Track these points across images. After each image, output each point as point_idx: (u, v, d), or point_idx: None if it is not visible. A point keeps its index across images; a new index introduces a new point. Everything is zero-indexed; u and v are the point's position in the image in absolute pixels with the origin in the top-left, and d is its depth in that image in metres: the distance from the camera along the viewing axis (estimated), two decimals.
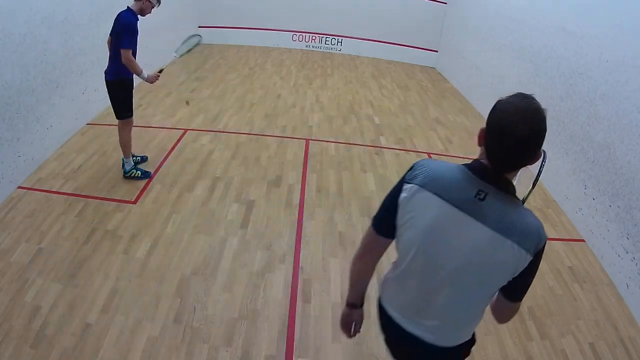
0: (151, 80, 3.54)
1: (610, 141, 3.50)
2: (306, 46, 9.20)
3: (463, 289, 1.24)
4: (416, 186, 1.21)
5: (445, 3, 8.48)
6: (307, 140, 4.91)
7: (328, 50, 9.19)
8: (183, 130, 4.83)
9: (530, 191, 1.31)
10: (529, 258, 1.17)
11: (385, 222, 1.32)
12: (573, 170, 4.01)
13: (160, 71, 3.65)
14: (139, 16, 3.47)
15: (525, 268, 1.20)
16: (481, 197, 1.15)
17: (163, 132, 4.74)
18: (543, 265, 3.31)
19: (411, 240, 1.25)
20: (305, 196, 3.83)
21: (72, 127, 4.48)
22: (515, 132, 1.06)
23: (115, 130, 4.66)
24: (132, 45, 3.38)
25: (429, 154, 4.91)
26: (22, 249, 2.90)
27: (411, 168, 1.27)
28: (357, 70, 8.07)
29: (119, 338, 2.35)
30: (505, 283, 1.23)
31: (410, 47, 8.97)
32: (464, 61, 7.32)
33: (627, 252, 3.17)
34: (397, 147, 5.01)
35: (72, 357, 2.22)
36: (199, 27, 8.74)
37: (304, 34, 9.09)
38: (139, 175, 3.82)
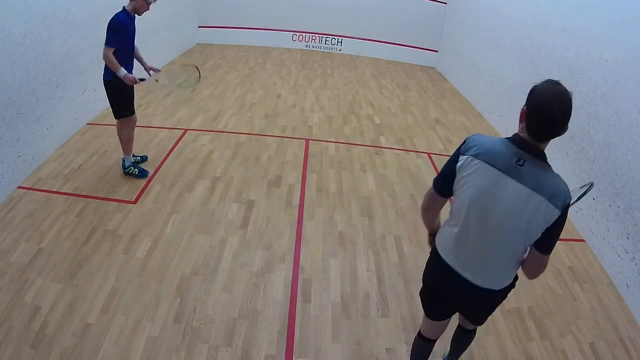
0: (129, 80, 3.52)
1: (610, 141, 3.50)
2: (306, 46, 9.20)
3: (505, 240, 1.53)
4: (470, 157, 1.53)
5: (445, 3, 8.48)
6: (307, 140, 4.91)
7: (328, 50, 9.19)
8: (183, 130, 4.83)
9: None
10: (557, 213, 1.43)
11: (444, 185, 1.67)
12: (573, 170, 4.01)
13: (141, 80, 3.66)
14: (135, 15, 3.49)
15: (554, 222, 1.45)
16: (520, 163, 1.45)
17: (163, 132, 4.74)
18: None
19: (466, 200, 1.56)
20: (305, 196, 3.83)
21: (72, 127, 4.48)
22: (550, 111, 1.38)
23: (115, 130, 4.67)
24: (115, 44, 3.40)
25: (429, 154, 4.91)
26: (22, 249, 2.90)
27: (464, 142, 1.59)
28: (357, 70, 8.07)
29: (119, 338, 2.35)
30: (538, 236, 1.48)
31: (410, 47, 8.97)
32: (464, 61, 7.32)
33: (627, 252, 3.17)
34: (397, 147, 5.01)
35: (72, 357, 2.22)
36: (199, 27, 8.75)
37: (304, 34, 9.09)
38: (137, 173, 3.83)
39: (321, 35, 9.10)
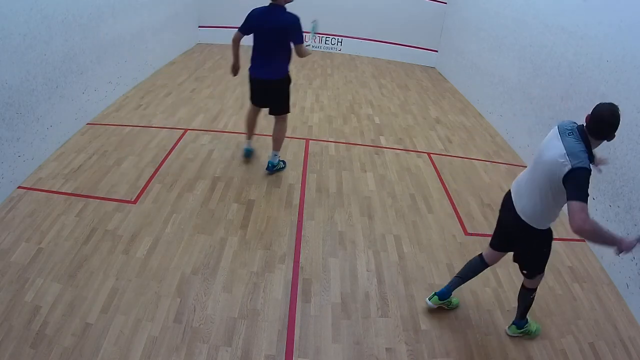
0: None
1: (611, 141, 3.50)
2: (306, 46, 9.19)
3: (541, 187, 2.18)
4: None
5: (445, 3, 8.47)
6: (307, 140, 4.91)
7: (328, 50, 9.19)
8: (183, 130, 4.83)
9: None
10: (569, 168, 1.98)
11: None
12: None
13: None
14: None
15: (569, 174, 2.00)
16: (570, 134, 2.10)
17: (163, 132, 4.74)
18: None
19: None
20: (305, 196, 3.83)
21: (72, 127, 4.48)
22: (606, 120, 2.06)
23: (115, 130, 4.68)
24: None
25: (429, 153, 4.91)
26: (22, 249, 2.90)
27: (589, 170, 2.02)
28: (357, 70, 8.07)
29: (119, 338, 2.35)
30: (561, 186, 2.04)
31: (410, 47, 8.97)
32: (464, 61, 7.32)
33: None
34: (397, 147, 5.01)
35: (72, 357, 2.22)
36: (199, 27, 8.75)
37: (303, 34, 9.08)
38: (283, 166, 4.16)
39: (321, 35, 9.09)
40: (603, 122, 2.04)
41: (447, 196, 4.11)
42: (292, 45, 3.66)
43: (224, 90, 6.27)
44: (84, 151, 4.18)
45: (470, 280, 3.06)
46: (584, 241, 3.70)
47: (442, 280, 3.04)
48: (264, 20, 3.57)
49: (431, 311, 2.77)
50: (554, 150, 2.06)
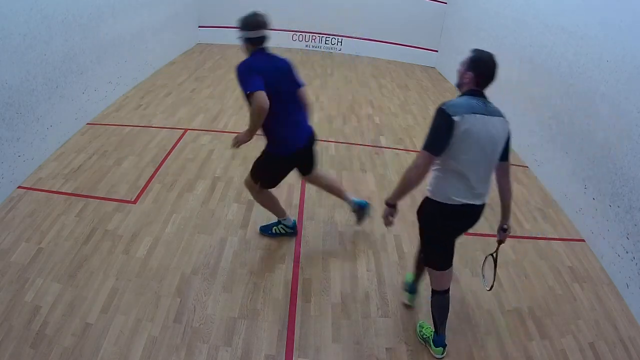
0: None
1: (610, 141, 3.50)
2: (306, 46, 9.19)
3: (493, 160, 2.10)
4: (461, 115, 1.96)
5: (445, 3, 8.47)
6: None
7: (328, 50, 9.19)
8: (183, 130, 4.83)
9: (494, 274, 2.49)
10: (509, 127, 2.13)
11: (440, 147, 2.00)
12: (573, 170, 4.01)
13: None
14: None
15: (509, 135, 2.15)
16: (486, 103, 2.07)
17: (163, 132, 4.74)
18: (543, 265, 3.32)
19: (470, 144, 1.99)
20: (305, 196, 3.83)
21: (72, 127, 4.48)
22: (492, 66, 2.12)
23: (115, 130, 4.68)
24: None
25: None
26: (22, 249, 2.91)
27: (445, 110, 1.99)
28: (357, 70, 8.07)
29: (119, 338, 2.35)
30: (503, 148, 2.11)
31: (410, 47, 8.96)
32: None
33: (627, 252, 3.17)
34: (397, 147, 5.01)
35: (72, 357, 2.22)
36: (199, 27, 8.75)
37: (303, 34, 9.08)
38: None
39: (321, 35, 9.09)
40: (493, 69, 2.10)
41: None
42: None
43: (224, 90, 6.27)
44: (84, 151, 4.18)
45: (470, 280, 3.07)
46: (584, 241, 3.70)
47: None
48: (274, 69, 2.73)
49: (431, 311, 2.77)
50: (497, 126, 2.05)
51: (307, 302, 2.74)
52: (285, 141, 2.80)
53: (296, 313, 2.65)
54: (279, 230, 3.25)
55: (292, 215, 3.55)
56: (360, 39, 9.03)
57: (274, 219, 3.26)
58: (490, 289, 2.54)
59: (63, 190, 3.56)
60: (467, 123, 1.96)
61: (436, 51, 8.89)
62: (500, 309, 2.86)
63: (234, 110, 5.55)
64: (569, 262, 3.42)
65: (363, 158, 4.63)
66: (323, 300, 2.77)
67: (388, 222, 2.32)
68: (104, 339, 2.34)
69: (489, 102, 2.09)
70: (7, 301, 2.50)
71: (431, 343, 2.45)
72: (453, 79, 8.42)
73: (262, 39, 2.69)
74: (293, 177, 4.09)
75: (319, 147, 4.74)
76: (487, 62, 2.07)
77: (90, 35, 4.60)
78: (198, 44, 8.76)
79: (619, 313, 2.97)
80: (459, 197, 2.09)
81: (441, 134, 1.99)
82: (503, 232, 2.39)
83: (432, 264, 2.33)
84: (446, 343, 2.42)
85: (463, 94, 2.10)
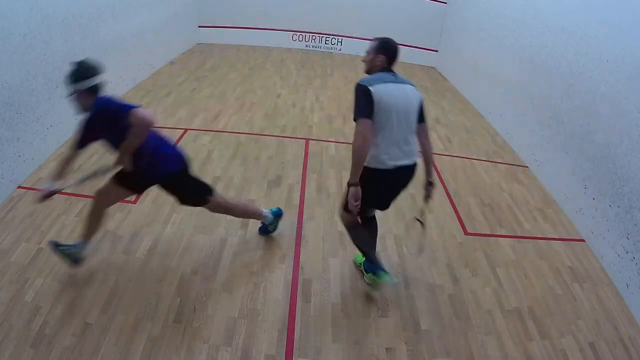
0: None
1: (610, 141, 3.50)
2: (306, 46, 9.19)
3: (411, 121, 2.40)
4: (377, 85, 2.28)
5: (445, 3, 8.48)
6: (307, 140, 4.91)
7: (328, 50, 9.19)
8: (183, 130, 4.83)
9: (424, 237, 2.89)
10: (420, 93, 2.47)
11: (369, 110, 2.27)
12: (573, 170, 4.01)
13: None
14: None
15: (421, 99, 2.46)
16: (395, 76, 2.41)
17: (163, 132, 4.73)
18: (543, 264, 3.32)
19: (389, 111, 2.29)
20: (305, 196, 3.83)
21: (72, 127, 4.45)
22: (395, 45, 2.47)
23: None
24: None
25: None
26: (22, 249, 2.90)
27: (363, 85, 2.29)
28: (357, 70, 8.07)
29: (119, 338, 2.35)
30: (419, 112, 2.44)
31: (410, 47, 8.97)
32: (464, 61, 7.32)
33: (627, 252, 3.17)
34: None
35: (72, 357, 2.22)
36: (199, 27, 8.75)
37: (304, 34, 9.09)
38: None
39: (321, 35, 9.10)
40: (397, 49, 2.48)
41: (447, 196, 4.11)
42: None
43: (224, 90, 6.27)
44: (84, 151, 4.17)
45: (470, 280, 3.07)
46: (584, 241, 3.70)
47: (442, 280, 3.04)
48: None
49: (431, 311, 2.77)
50: (408, 91, 2.37)
51: (307, 302, 2.74)
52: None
53: (296, 313, 2.65)
54: (274, 227, 3.24)
55: (292, 215, 3.55)
56: (360, 39, 9.02)
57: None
58: (419, 253, 2.77)
59: (63, 190, 3.55)
60: (382, 92, 2.28)
61: (436, 51, 8.90)
62: (500, 309, 2.86)
63: (234, 110, 5.55)
64: (569, 262, 3.42)
65: None
66: (323, 300, 2.77)
67: (355, 202, 2.38)
68: (104, 339, 2.34)
69: (398, 75, 2.44)
70: (7, 301, 2.50)
71: (364, 269, 2.90)
72: (453, 79, 8.42)
73: (98, 86, 2.58)
74: (293, 177, 4.10)
75: (319, 147, 4.77)
76: (393, 45, 2.47)
77: (90, 35, 4.60)
78: (198, 44, 8.77)
79: (619, 313, 2.97)
80: (392, 161, 2.37)
81: (364, 101, 2.27)
82: (429, 187, 2.65)
83: (359, 213, 2.61)
84: (382, 267, 2.68)
85: (376, 72, 2.44)
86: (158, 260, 2.94)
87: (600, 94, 3.69)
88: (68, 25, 4.17)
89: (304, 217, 3.55)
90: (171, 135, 4.67)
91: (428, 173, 2.62)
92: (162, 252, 3.01)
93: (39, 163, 3.88)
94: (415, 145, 2.47)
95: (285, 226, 3.40)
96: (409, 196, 4.02)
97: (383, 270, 2.64)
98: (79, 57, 4.38)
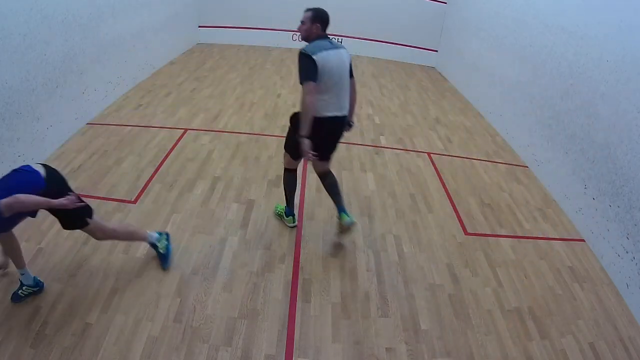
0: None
1: (610, 141, 3.50)
2: (352, 74, 9.16)
3: (345, 79, 2.85)
4: (319, 53, 2.66)
5: (445, 3, 8.47)
6: None
7: None
8: (183, 130, 4.83)
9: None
10: (349, 54, 2.91)
11: (314, 74, 2.65)
12: (573, 170, 4.01)
13: None
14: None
15: (351, 59, 2.93)
16: (331, 42, 2.81)
17: (163, 132, 4.74)
18: (543, 264, 3.32)
19: (330, 74, 2.71)
20: (305, 196, 3.83)
21: (72, 127, 4.48)
22: (328, 16, 2.84)
23: (115, 129, 4.68)
24: None
25: (429, 153, 4.91)
26: (22, 248, 2.89)
27: (306, 53, 2.66)
28: (357, 70, 8.03)
29: (119, 338, 2.35)
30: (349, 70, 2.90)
31: (410, 47, 8.97)
32: (464, 61, 7.32)
33: (627, 252, 3.17)
34: (397, 146, 5.01)
35: (72, 357, 2.22)
36: (199, 27, 8.74)
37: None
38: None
39: None
40: (328, 16, 2.82)
41: (447, 196, 4.11)
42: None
43: (224, 90, 6.27)
44: (84, 151, 4.18)
45: (470, 280, 3.07)
46: (584, 241, 3.70)
47: (442, 280, 3.04)
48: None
49: (431, 311, 2.77)
50: (342, 55, 2.81)
51: (307, 302, 2.74)
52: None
53: (296, 313, 2.65)
54: (163, 246, 2.88)
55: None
56: (361, 38, 9.02)
57: (274, 219, 3.24)
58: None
59: None
60: (324, 59, 2.67)
61: (436, 51, 8.89)
62: (500, 309, 2.86)
63: (234, 110, 5.55)
64: (569, 262, 3.42)
65: (363, 158, 4.63)
66: (323, 300, 2.77)
67: (307, 152, 2.74)
68: (104, 339, 2.34)
69: (332, 40, 2.83)
70: (7, 301, 2.50)
71: (284, 215, 3.36)
72: (453, 79, 8.40)
73: None
74: None
75: None
76: (325, 13, 2.81)
77: (90, 35, 4.60)
78: (198, 44, 8.76)
79: (619, 313, 2.97)
80: (329, 112, 2.80)
81: (309, 67, 2.64)
82: (348, 127, 3.10)
83: (293, 154, 3.04)
84: (294, 213, 3.37)
85: (313, 40, 2.77)
86: (158, 260, 2.93)
87: (600, 94, 3.69)
88: (68, 25, 4.17)
89: (304, 217, 3.55)
90: (171, 135, 4.68)
91: (350, 115, 3.03)
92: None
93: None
94: (347, 100, 2.91)
95: (286, 226, 3.40)
96: (409, 196, 4.03)
97: (293, 215, 3.37)
98: (79, 57, 4.43)
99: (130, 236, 2.81)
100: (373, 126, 5.52)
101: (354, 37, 9.03)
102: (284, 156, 3.17)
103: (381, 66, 8.54)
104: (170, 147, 4.44)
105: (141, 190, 3.67)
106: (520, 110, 5.23)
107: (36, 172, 2.30)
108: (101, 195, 3.54)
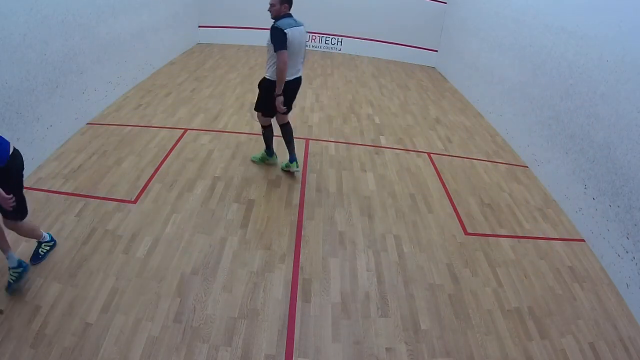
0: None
1: (610, 141, 3.50)
2: (306, 46, 9.18)
3: (303, 49, 3.73)
4: (289, 29, 3.46)
5: (445, 3, 8.48)
6: (307, 140, 4.91)
7: (328, 50, 9.19)
8: (183, 130, 4.83)
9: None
10: (305, 30, 3.76)
11: (286, 45, 3.44)
12: (573, 170, 4.01)
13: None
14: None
15: (306, 34, 3.82)
16: (295, 20, 3.60)
17: (163, 132, 4.74)
18: (543, 264, 3.32)
19: (295, 45, 3.54)
20: (305, 196, 3.83)
21: (72, 127, 4.48)
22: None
23: (115, 129, 4.68)
24: None
25: (428, 153, 4.91)
26: (22, 249, 2.90)
27: (279, 28, 3.44)
28: (357, 70, 8.07)
29: (119, 338, 2.35)
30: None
31: (410, 47, 8.97)
32: (463, 61, 7.32)
33: (627, 252, 3.17)
34: (397, 146, 5.01)
35: (72, 357, 2.22)
36: (199, 27, 8.74)
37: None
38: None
39: (321, 35, 9.09)
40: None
41: (447, 196, 4.11)
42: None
43: (224, 90, 6.27)
44: (84, 151, 4.18)
45: (470, 280, 3.07)
46: (584, 241, 3.70)
47: (442, 280, 3.04)
48: None
49: (431, 311, 2.77)
50: (302, 31, 3.63)
51: (307, 302, 2.74)
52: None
53: (296, 313, 2.65)
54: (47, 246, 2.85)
55: (292, 215, 3.55)
56: (360, 38, 9.03)
57: (274, 219, 3.24)
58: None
59: (63, 190, 3.56)
60: (293, 34, 3.48)
61: (436, 51, 8.90)
62: (500, 309, 2.86)
63: (234, 110, 5.55)
64: (569, 262, 3.42)
65: (363, 158, 4.63)
66: (323, 300, 2.77)
67: (280, 106, 3.61)
68: (104, 339, 2.34)
69: (295, 18, 3.59)
70: (7, 301, 2.50)
71: (266, 156, 4.22)
72: (453, 79, 8.41)
73: None
74: (293, 177, 4.10)
75: (319, 147, 4.77)
76: None
77: (90, 35, 4.60)
78: (198, 44, 8.76)
79: (619, 313, 2.97)
80: (294, 75, 3.70)
81: (282, 39, 3.42)
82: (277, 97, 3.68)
83: (266, 113, 3.93)
84: (275, 153, 4.23)
85: (282, 17, 3.52)
86: (158, 260, 2.94)
87: (600, 94, 3.69)
88: (68, 25, 4.17)
89: (304, 217, 3.55)
90: (171, 135, 4.68)
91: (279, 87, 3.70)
92: (162, 252, 3.01)
93: (39, 163, 3.88)
94: (302, 65, 3.83)
95: (286, 226, 3.40)
96: (409, 196, 4.03)
97: (273, 154, 4.22)
98: (79, 57, 4.43)
99: (31, 232, 2.74)
100: (373, 126, 5.52)
101: (354, 37, 9.04)
102: (259, 117, 3.99)
103: (381, 66, 8.54)
104: (170, 147, 4.44)
105: (141, 190, 3.67)
106: (520, 110, 5.23)
107: (6, 143, 2.39)
108: (101, 195, 3.54)
